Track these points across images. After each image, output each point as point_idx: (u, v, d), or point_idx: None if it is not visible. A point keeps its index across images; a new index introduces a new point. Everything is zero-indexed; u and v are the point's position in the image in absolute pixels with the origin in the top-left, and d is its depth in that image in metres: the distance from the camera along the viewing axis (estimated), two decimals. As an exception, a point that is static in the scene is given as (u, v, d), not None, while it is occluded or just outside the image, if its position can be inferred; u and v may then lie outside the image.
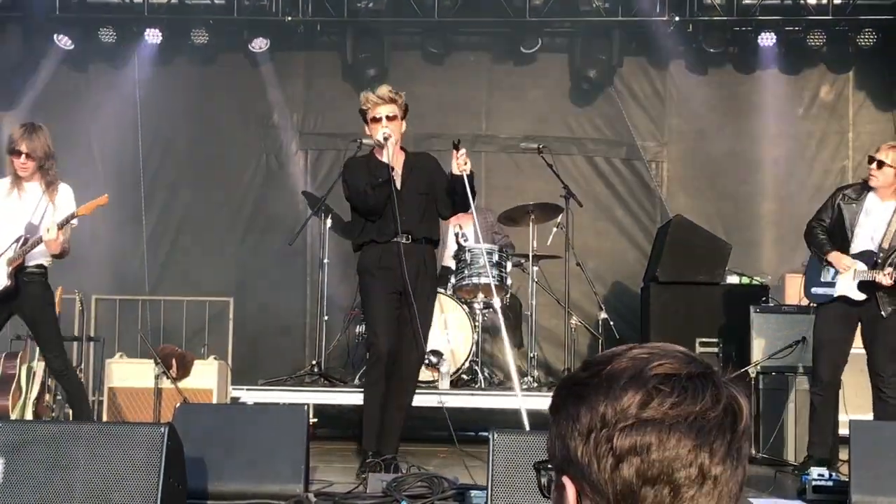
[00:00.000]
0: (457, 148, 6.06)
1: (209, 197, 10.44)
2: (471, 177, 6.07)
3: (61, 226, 6.20)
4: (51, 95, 10.48)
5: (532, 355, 8.17)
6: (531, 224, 8.21)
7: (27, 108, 10.47)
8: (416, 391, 7.54)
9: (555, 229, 8.41)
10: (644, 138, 10.36)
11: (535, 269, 8.33)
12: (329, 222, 8.56)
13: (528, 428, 5.22)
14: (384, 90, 6.18)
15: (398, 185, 6.22)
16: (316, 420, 7.85)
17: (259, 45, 10.17)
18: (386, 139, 6.08)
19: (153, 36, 10.15)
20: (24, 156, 6.25)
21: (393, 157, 6.17)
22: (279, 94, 10.54)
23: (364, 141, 6.99)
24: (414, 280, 6.10)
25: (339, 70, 10.50)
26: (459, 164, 6.03)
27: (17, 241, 6.26)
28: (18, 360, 8.20)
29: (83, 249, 10.11)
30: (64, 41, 10.18)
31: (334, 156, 9.94)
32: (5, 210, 6.35)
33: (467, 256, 7.99)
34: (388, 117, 6.15)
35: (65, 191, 6.48)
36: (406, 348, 6.21)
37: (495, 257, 8.00)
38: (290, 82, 10.55)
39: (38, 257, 6.27)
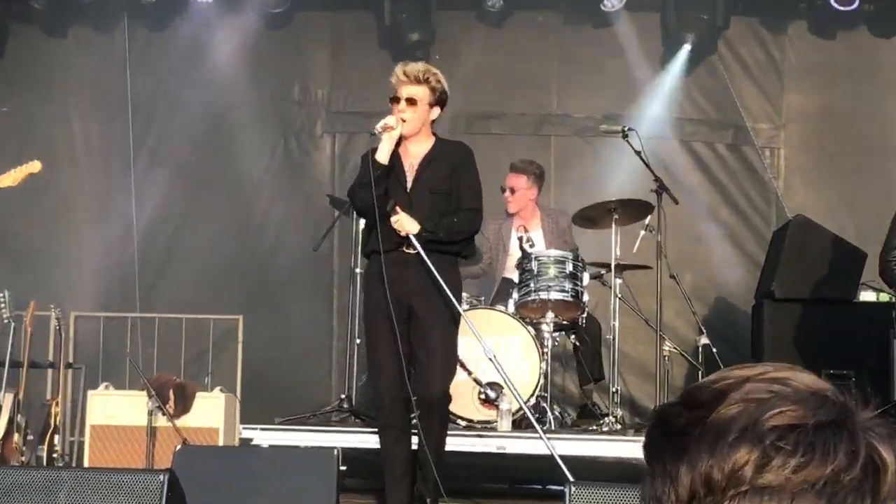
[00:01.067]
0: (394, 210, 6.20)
1: (214, 191, 10.54)
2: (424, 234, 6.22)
3: None
4: (21, 66, 10.65)
5: (614, 390, 8.16)
6: (614, 226, 8.19)
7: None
8: (471, 433, 7.60)
9: (643, 233, 8.38)
10: (756, 119, 10.33)
11: (619, 281, 8.32)
12: (362, 223, 8.60)
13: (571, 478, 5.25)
14: (415, 67, 6.31)
15: (408, 182, 6.35)
16: (345, 468, 7.88)
17: (276, 3, 10.24)
18: (384, 130, 6.19)
19: (143, -7, 10.27)
20: None
21: (408, 148, 6.35)
22: (301, 63, 10.63)
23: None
24: (416, 298, 6.21)
25: (374, 34, 10.55)
26: (399, 228, 6.20)
27: None
28: (-20, 392, 8.33)
29: (59, 256, 10.30)
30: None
31: (368, 140, 9.95)
32: None
33: (533, 266, 8.01)
34: (407, 100, 6.27)
35: None
36: (421, 384, 6.28)
37: (569, 267, 8.01)
38: (315, 49, 10.63)
39: None
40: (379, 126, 6.22)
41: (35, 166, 6.40)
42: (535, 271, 7.99)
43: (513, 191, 8.74)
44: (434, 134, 6.51)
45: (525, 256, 8.08)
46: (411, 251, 6.23)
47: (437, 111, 6.38)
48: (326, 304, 10.38)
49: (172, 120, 10.55)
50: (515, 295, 8.12)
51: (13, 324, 8.42)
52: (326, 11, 10.66)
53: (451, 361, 6.46)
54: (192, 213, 10.59)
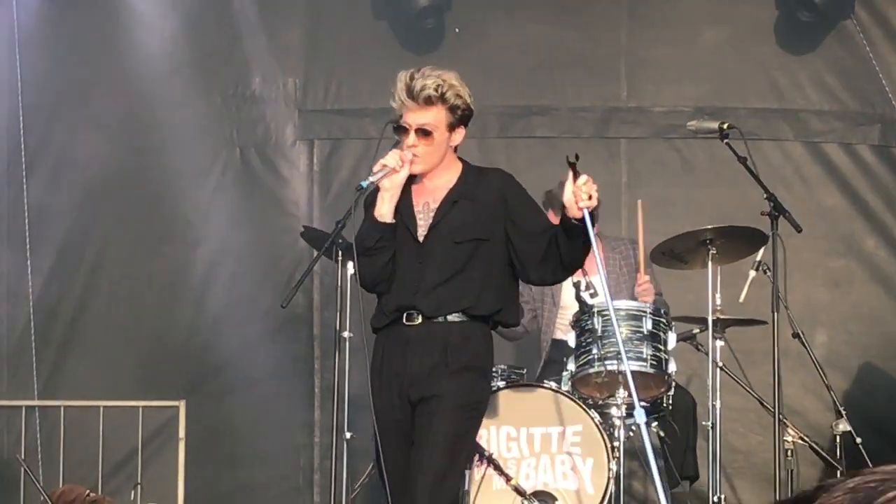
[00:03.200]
0: (575, 169, 6.11)
1: (138, 232, 10.56)
2: (593, 215, 6.18)
3: None
4: None
5: (716, 498, 8.12)
6: (710, 265, 8.19)
7: None
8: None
9: (752, 273, 8.38)
10: (914, 109, 10.34)
11: (720, 344, 8.30)
12: (351, 268, 8.56)
13: None
14: (423, 84, 6.28)
15: (420, 233, 6.39)
16: None
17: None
18: (383, 174, 6.21)
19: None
20: None
21: (423, 182, 6.41)
22: (263, 43, 10.66)
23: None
24: (426, 383, 6.24)
25: (366, 2, 10.56)
26: (579, 196, 6.12)
27: None
28: None
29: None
30: None
31: (361, 149, 10.03)
32: None
33: (596, 323, 8.02)
34: (418, 132, 6.29)
35: None
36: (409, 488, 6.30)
37: (647, 324, 8.00)
38: (281, 23, 10.68)
39: None
40: (376, 169, 6.19)
41: None
42: (600, 331, 7.98)
43: None
44: (459, 159, 6.53)
45: (584, 311, 8.07)
46: (416, 322, 6.27)
47: (460, 134, 6.42)
48: (304, 384, 10.37)
49: (79, 128, 10.56)
50: (572, 366, 8.10)
51: None
52: (297, -30, 10.74)
53: (453, 466, 6.44)
54: (110, 261, 10.62)
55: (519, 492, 7.81)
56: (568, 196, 6.14)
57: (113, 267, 10.59)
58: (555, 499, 7.77)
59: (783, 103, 10.33)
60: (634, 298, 8.44)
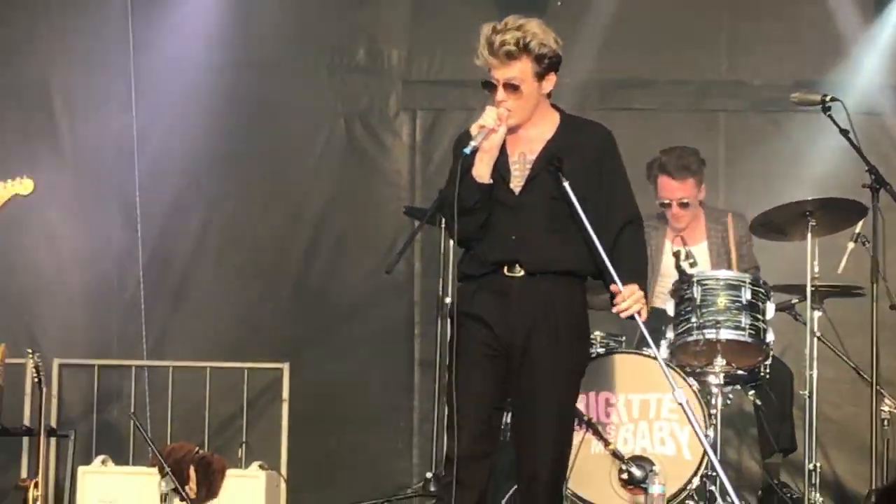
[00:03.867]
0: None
1: (245, 197, 10.60)
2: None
3: None
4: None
5: (811, 467, 8.04)
6: (810, 236, 8.11)
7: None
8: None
9: (851, 245, 8.31)
10: None
11: (818, 314, 8.24)
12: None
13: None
14: (504, 38, 6.07)
15: (517, 187, 6.22)
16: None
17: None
18: (482, 134, 6.04)
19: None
20: None
21: (519, 133, 6.20)
22: (368, 17, 10.66)
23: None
24: (526, 337, 6.11)
25: (469, -27, 10.56)
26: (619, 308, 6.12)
27: None
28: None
29: (38, 286, 10.40)
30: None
31: (463, 119, 9.94)
32: None
33: (696, 293, 7.98)
34: (506, 86, 6.12)
35: None
36: (524, 468, 6.19)
37: (746, 294, 7.95)
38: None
39: None
40: (474, 130, 6.07)
41: (26, 186, 6.42)
42: (699, 301, 7.94)
43: (684, 205, 8.67)
44: (554, 107, 6.35)
45: (684, 280, 8.01)
46: (518, 274, 6.15)
47: (550, 81, 6.20)
48: (405, 349, 10.37)
49: (188, 99, 10.60)
50: (671, 334, 8.09)
51: (-24, 375, 8.56)
52: (403, -55, 10.71)
53: (567, 433, 6.33)
54: (216, 228, 10.68)
55: (617, 456, 7.77)
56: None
57: (219, 234, 10.64)
58: (652, 464, 7.70)
59: (885, 78, 10.20)
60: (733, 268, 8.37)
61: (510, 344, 6.10)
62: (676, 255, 8.13)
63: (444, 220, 7.91)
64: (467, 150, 5.99)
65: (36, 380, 9.00)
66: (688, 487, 7.81)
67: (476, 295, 6.18)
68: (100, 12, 10.68)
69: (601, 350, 8.21)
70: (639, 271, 6.24)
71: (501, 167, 6.15)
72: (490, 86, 6.12)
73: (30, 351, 8.98)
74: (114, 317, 10.57)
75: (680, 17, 10.40)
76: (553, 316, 6.11)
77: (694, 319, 7.93)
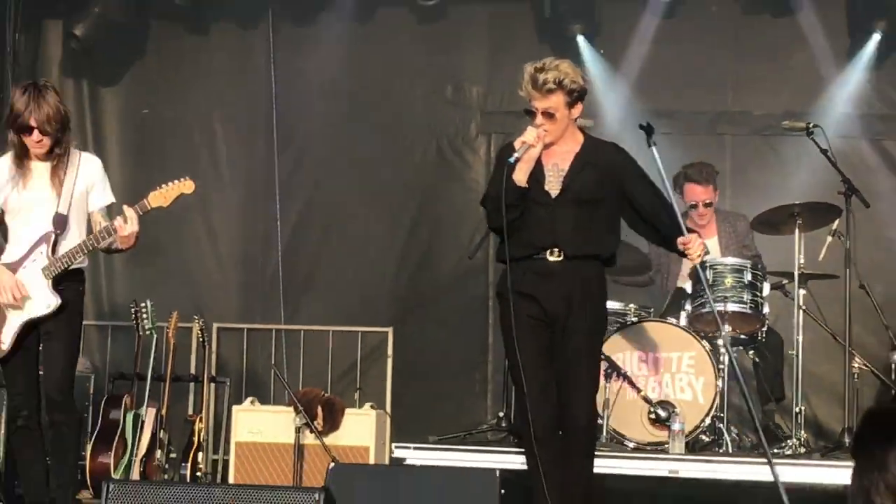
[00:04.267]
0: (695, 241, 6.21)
1: (361, 197, 10.63)
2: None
3: (139, 214, 6.22)
4: (163, 65, 10.90)
5: (798, 410, 8.01)
6: (797, 231, 8.07)
7: (133, 81, 10.92)
8: (640, 456, 7.56)
9: (829, 238, 8.25)
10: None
11: (803, 292, 8.18)
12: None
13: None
14: (544, 78, 6.10)
15: (552, 190, 6.22)
16: (504, 491, 7.88)
17: (429, -6, 10.36)
18: (523, 150, 6.04)
19: (292, -12, 10.43)
20: (35, 131, 6.21)
21: (552, 148, 6.21)
22: (455, 59, 10.67)
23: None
24: (565, 311, 6.12)
25: (532, 27, 10.53)
26: (692, 255, 6.21)
27: (46, 241, 6.30)
28: (123, 406, 8.53)
29: (200, 265, 10.52)
30: (179, -6, 10.53)
31: (524, 141, 10.02)
32: (20, 203, 6.35)
33: (709, 275, 7.95)
34: (544, 113, 6.14)
35: (92, 166, 6.47)
36: (567, 413, 6.17)
37: (747, 276, 7.96)
38: (470, 44, 10.66)
39: (79, 257, 6.30)
40: (517, 144, 6.05)
41: (188, 186, 6.41)
42: (711, 281, 7.93)
43: (708, 205, 8.71)
44: (580, 130, 6.37)
45: (699, 265, 8.00)
46: (555, 258, 6.15)
47: (577, 109, 6.23)
48: (482, 317, 10.38)
49: (317, 121, 10.67)
50: (688, 306, 8.09)
51: (155, 335, 8.64)
52: (482, 4, 10.67)
53: (597, 384, 6.36)
54: (338, 221, 10.70)
55: (647, 401, 7.80)
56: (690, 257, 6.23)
57: (340, 227, 10.65)
58: (674, 407, 7.72)
59: (854, 109, 10.09)
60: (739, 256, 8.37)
61: (554, 314, 6.12)
62: (692, 245, 8.17)
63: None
64: (511, 160, 6.03)
65: (200, 339, 9.14)
66: (701, 425, 7.82)
67: (525, 276, 6.17)
68: (249, 56, 10.78)
69: (634, 319, 8.22)
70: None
71: (538, 174, 6.18)
72: (531, 112, 6.16)
73: (196, 317, 9.12)
74: (259, 291, 10.66)
75: (696, 61, 10.29)
76: (586, 290, 6.13)
77: (706, 295, 7.90)
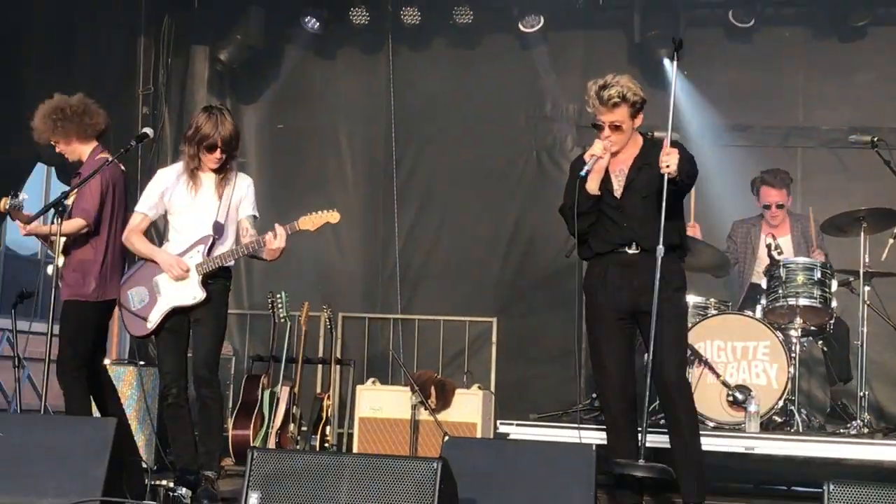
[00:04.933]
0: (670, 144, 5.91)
1: (469, 201, 10.65)
2: (678, 181, 5.88)
3: (288, 233, 6.34)
4: (295, 85, 11.02)
5: (862, 395, 7.89)
6: (862, 234, 7.95)
7: (269, 99, 11.05)
8: (719, 434, 7.50)
9: (891, 241, 8.13)
10: None
11: (867, 289, 8.06)
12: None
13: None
14: (609, 94, 5.98)
15: (618, 192, 6.14)
16: (598, 464, 7.87)
17: (531, 23, 10.33)
18: (592, 162, 5.96)
19: (410, 15, 10.46)
20: (218, 150, 6.37)
21: (617, 157, 6.12)
22: (553, 80, 10.65)
23: (656, 134, 6.97)
24: (647, 294, 5.94)
25: (624, 51, 10.49)
26: (661, 164, 5.85)
27: (204, 242, 6.41)
28: (261, 384, 8.63)
29: (329, 262, 10.60)
30: (311, 24, 10.61)
31: (617, 152, 9.95)
32: (187, 208, 6.48)
33: (782, 273, 7.89)
34: (611, 126, 6.04)
35: (245, 183, 6.60)
36: (657, 377, 6.03)
37: (817, 274, 7.86)
38: (567, 66, 10.63)
39: (229, 260, 6.42)
40: (587, 157, 5.98)
41: (333, 217, 6.50)
42: (784, 278, 7.86)
43: (780, 206, 8.63)
44: (641, 134, 6.24)
45: (773, 263, 7.94)
46: (633, 251, 6.09)
47: (639, 119, 6.11)
48: (575, 308, 10.30)
49: (430, 133, 10.72)
50: (764, 301, 8.01)
51: (289, 323, 8.74)
52: (580, 31, 10.65)
53: (684, 353, 6.27)
54: (449, 223, 10.72)
55: (726, 385, 7.72)
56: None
57: (450, 229, 10.69)
58: (750, 390, 7.63)
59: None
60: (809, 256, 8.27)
61: (642, 302, 6.00)
62: (768, 246, 8.07)
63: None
64: (583, 173, 5.97)
65: (328, 326, 9.21)
66: (774, 407, 7.75)
67: (605, 267, 6.14)
68: (371, 77, 10.86)
69: (714, 312, 8.14)
70: (689, 170, 5.99)
71: (606, 181, 6.11)
72: (598, 126, 6.07)
73: (324, 307, 9.20)
74: (379, 285, 10.71)
75: (770, 81, 10.22)
76: (666, 278, 5.91)
77: (780, 291, 7.86)
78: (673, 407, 6.14)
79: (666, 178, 5.81)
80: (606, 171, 6.12)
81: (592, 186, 6.05)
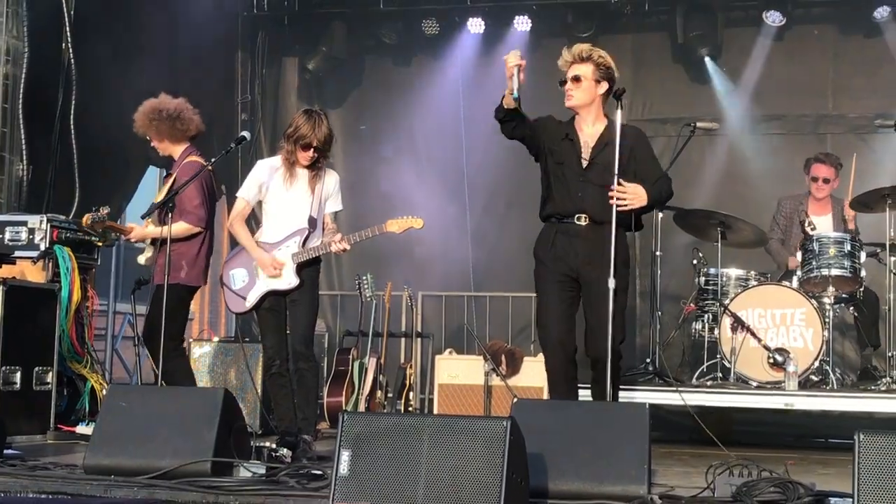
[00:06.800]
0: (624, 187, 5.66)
1: (530, 191, 10.54)
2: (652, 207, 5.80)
3: (359, 239, 6.39)
4: (374, 91, 11.07)
5: (890, 355, 7.79)
6: (888, 210, 7.82)
7: (352, 103, 11.12)
8: (761, 392, 7.45)
9: (914, 215, 8.00)
10: None
11: (893, 259, 7.94)
12: (661, 214, 8.56)
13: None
14: (579, 47, 5.86)
15: (584, 161, 5.89)
16: (651, 422, 7.84)
17: (584, 27, 10.29)
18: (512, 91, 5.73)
19: (476, 25, 10.48)
20: (313, 149, 6.37)
21: (582, 127, 5.94)
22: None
23: (699, 125, 6.90)
24: (591, 263, 5.76)
25: (668, 51, 10.44)
26: (615, 193, 5.63)
27: (300, 234, 6.40)
28: (351, 356, 8.70)
29: (409, 247, 10.65)
30: (388, 35, 10.67)
31: (664, 143, 9.83)
32: (282, 198, 6.48)
33: (815, 246, 7.83)
34: (573, 79, 5.86)
35: (333, 179, 6.58)
36: (592, 348, 5.83)
37: (847, 246, 7.78)
38: (618, 64, 10.50)
39: (317, 252, 6.43)
40: (508, 90, 5.81)
41: (418, 223, 6.47)
42: (817, 251, 7.79)
43: (826, 181, 8.52)
44: (606, 116, 5.98)
45: (807, 238, 7.88)
46: (583, 223, 5.83)
47: (603, 86, 5.89)
48: (632, 283, 10.26)
49: (496, 131, 10.64)
50: (799, 272, 7.92)
51: (374, 301, 8.79)
52: (628, 32, 10.58)
53: (622, 325, 5.79)
54: (514, 209, 10.61)
55: (766, 348, 7.68)
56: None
57: (516, 212, 10.52)
58: (788, 353, 7.58)
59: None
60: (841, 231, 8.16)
61: (583, 270, 5.80)
62: (801, 222, 8.02)
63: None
64: (515, 95, 5.76)
65: (409, 304, 9.26)
66: (811, 368, 7.68)
67: (555, 233, 5.91)
68: (443, 82, 10.88)
69: (755, 283, 8.09)
70: (655, 192, 5.79)
71: (578, 149, 5.92)
72: (563, 83, 5.93)
73: (405, 286, 9.25)
74: (453, 265, 10.71)
75: (801, 74, 10.13)
76: (610, 250, 5.57)
77: (814, 263, 7.79)
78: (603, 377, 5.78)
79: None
80: (577, 138, 5.94)
81: (508, 101, 5.85)
